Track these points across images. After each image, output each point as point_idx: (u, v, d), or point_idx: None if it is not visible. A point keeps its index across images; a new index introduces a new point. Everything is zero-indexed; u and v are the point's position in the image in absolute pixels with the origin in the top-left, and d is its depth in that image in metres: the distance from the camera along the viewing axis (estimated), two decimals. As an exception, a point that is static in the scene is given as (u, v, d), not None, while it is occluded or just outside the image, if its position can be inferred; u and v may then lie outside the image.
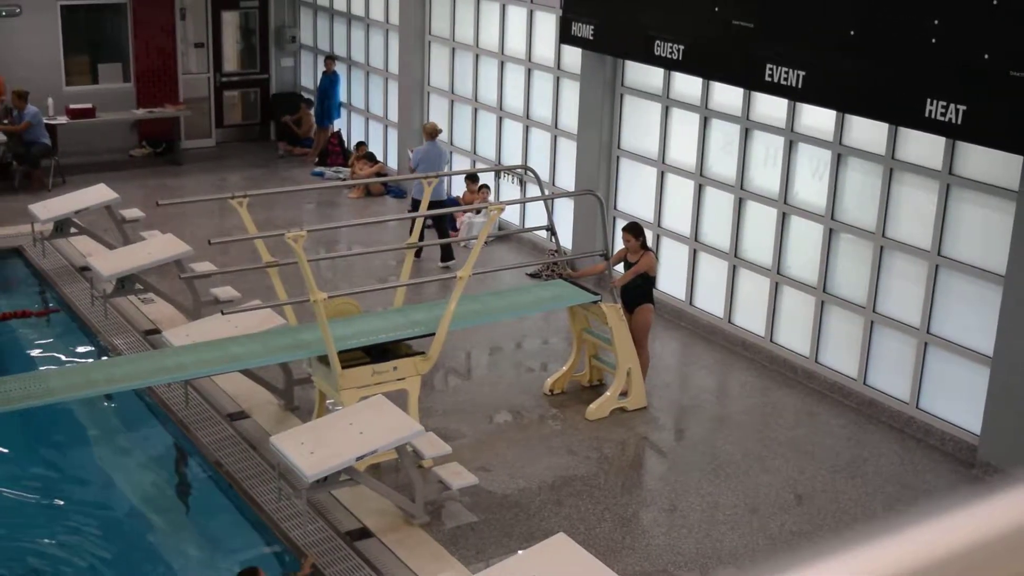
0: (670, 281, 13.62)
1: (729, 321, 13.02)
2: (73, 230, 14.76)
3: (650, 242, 12.25)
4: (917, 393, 11.00)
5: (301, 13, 21.80)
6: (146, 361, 10.13)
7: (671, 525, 9.39)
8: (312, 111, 20.87)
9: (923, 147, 10.64)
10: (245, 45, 21.73)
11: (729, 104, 12.72)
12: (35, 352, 13.02)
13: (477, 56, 17.00)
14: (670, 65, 12.65)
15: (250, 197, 10.79)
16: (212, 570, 9.04)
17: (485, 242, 10.65)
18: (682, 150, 13.48)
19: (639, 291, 11.34)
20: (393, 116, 19.16)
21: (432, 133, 15.71)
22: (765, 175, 12.48)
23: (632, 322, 11.22)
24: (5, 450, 10.83)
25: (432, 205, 15.17)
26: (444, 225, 15.45)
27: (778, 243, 12.30)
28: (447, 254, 15.23)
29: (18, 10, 18.99)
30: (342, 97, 20.57)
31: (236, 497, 9.70)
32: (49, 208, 14.65)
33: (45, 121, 18.30)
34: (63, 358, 12.59)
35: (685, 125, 13.39)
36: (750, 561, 8.83)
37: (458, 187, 17.10)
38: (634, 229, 11.43)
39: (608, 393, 11.25)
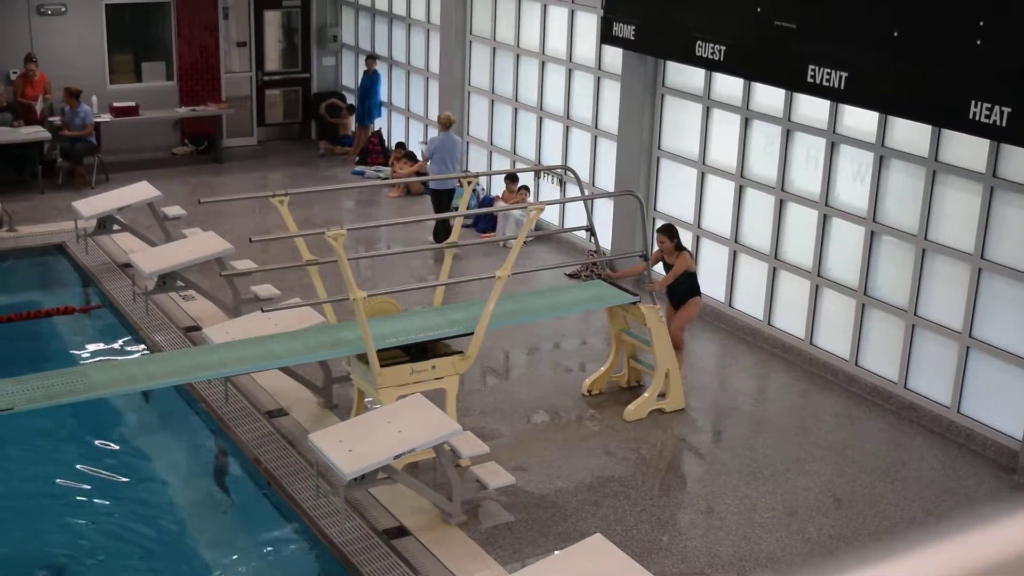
0: (710, 283, 13.53)
1: (769, 323, 12.95)
2: (116, 227, 14.87)
3: (690, 243, 12.21)
4: (959, 397, 10.90)
5: (343, 12, 21.89)
6: (186, 358, 10.20)
7: (708, 527, 9.35)
8: (352, 114, 21.01)
9: (966, 149, 10.54)
10: (287, 44, 21.85)
11: (770, 105, 12.66)
12: (77, 348, 13.14)
13: (518, 56, 17.00)
14: (711, 66, 12.60)
15: (291, 195, 10.86)
16: (247, 566, 9.09)
17: (524, 242, 10.64)
18: (723, 151, 13.43)
19: (684, 287, 11.42)
20: (433, 116, 19.17)
21: (447, 123, 15.79)
22: (806, 177, 12.41)
23: (679, 314, 11.38)
24: (42, 444, 10.93)
25: (441, 194, 15.27)
26: (447, 210, 15.36)
27: (819, 245, 12.22)
28: (442, 235, 15.13)
29: (63, 9, 19.18)
30: (383, 96, 20.64)
31: (274, 494, 9.75)
32: (92, 205, 14.77)
33: (89, 119, 18.51)
34: (105, 354, 12.69)
35: (726, 126, 13.34)
36: (788, 564, 8.78)
37: (497, 187, 17.12)
38: (668, 231, 11.41)
39: (646, 394, 11.23)
